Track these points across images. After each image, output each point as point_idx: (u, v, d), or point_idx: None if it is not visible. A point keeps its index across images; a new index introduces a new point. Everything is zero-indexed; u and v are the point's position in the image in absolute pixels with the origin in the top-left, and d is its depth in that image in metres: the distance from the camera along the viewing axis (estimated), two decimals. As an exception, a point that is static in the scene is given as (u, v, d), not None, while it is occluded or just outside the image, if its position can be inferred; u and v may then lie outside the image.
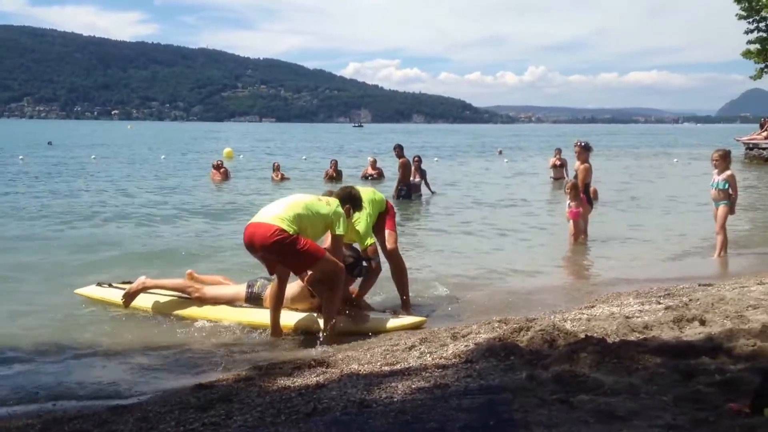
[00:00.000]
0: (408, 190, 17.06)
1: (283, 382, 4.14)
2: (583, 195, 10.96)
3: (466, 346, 4.57)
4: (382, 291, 7.19)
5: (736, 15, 38.66)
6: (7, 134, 76.18)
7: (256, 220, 5.88)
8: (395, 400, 3.49)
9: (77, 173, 25.37)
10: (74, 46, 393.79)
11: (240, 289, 6.64)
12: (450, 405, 3.31)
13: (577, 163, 11.37)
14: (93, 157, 34.58)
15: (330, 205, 6.03)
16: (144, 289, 6.80)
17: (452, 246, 11.04)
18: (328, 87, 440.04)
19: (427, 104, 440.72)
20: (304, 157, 37.74)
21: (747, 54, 39.26)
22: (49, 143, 50.49)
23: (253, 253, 5.97)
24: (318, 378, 4.16)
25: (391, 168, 22.05)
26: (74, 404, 4.38)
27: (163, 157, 36.99)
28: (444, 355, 4.42)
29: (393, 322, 6.12)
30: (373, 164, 22.60)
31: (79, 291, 7.29)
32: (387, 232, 6.87)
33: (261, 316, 6.26)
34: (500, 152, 44.64)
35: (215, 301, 6.60)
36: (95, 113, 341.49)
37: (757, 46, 38.79)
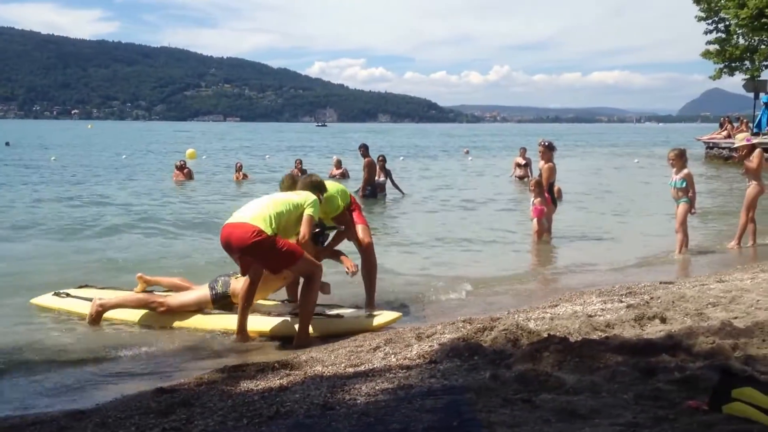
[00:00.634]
0: (373, 190, 17.06)
1: (246, 385, 4.10)
2: (548, 194, 11.05)
3: (430, 346, 4.57)
4: (346, 288, 7.14)
5: (696, 16, 39.29)
6: (-37, 134, 74.53)
7: (233, 221, 5.82)
8: (359, 401, 3.48)
9: (37, 175, 24.88)
10: (33, 44, 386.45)
11: (204, 293, 6.51)
12: (413, 406, 3.30)
13: (541, 162, 11.47)
14: (53, 158, 33.94)
15: (301, 195, 6.07)
16: (103, 311, 6.51)
17: (417, 245, 11.06)
18: (293, 86, 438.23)
19: (392, 103, 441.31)
20: (267, 156, 37.53)
21: (706, 54, 39.92)
22: (7, 144, 49.46)
23: (230, 254, 5.93)
24: (281, 380, 4.12)
25: (356, 168, 22.03)
26: (32, 411, 4.28)
27: (124, 156, 36.49)
28: (408, 355, 4.42)
29: (370, 321, 6.08)
30: (338, 164, 22.58)
31: (35, 301, 7.02)
32: (360, 226, 6.82)
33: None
34: (467, 152, 44.84)
35: (182, 309, 6.43)
36: (54, 113, 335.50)
37: (716, 46, 39.44)
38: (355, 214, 6.87)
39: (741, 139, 10.73)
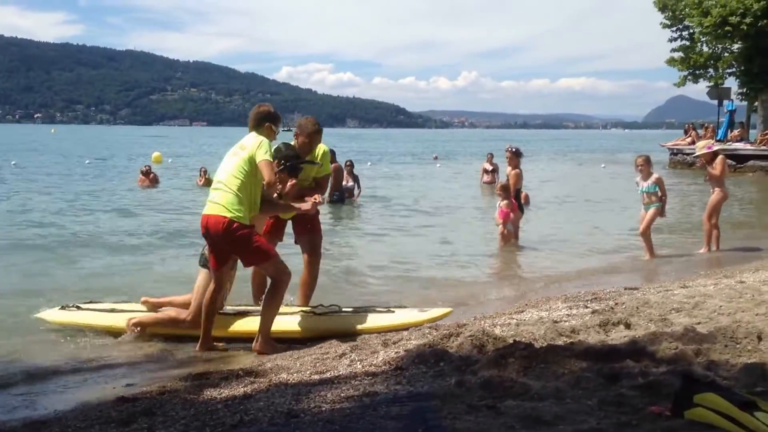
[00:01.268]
0: (341, 195, 17.03)
1: (210, 393, 4.05)
2: (514, 200, 11.12)
3: (396, 353, 4.56)
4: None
5: (661, 24, 39.81)
6: None
7: (206, 212, 5.66)
8: (323, 409, 3.45)
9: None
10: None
11: (203, 277, 6.08)
12: (378, 413, 3.28)
13: (509, 168, 11.55)
14: (13, 163, 33.29)
15: (245, 147, 5.70)
16: (143, 329, 6.12)
17: (384, 251, 11.06)
18: (260, 91, 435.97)
19: (361, 108, 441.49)
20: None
21: (671, 62, 40.44)
22: None
23: (209, 243, 5.77)
24: (246, 388, 4.08)
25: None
26: (-11, 422, 4.18)
27: (87, 161, 35.97)
28: (374, 362, 4.40)
29: (423, 315, 6.05)
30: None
31: (41, 316, 6.55)
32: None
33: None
34: (435, 157, 45.00)
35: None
36: (17, 116, 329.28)
37: (681, 54, 39.99)
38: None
39: (702, 146, 10.88)
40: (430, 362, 4.15)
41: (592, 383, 3.65)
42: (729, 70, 38.26)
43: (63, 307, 6.56)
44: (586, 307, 6.24)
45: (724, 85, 37.84)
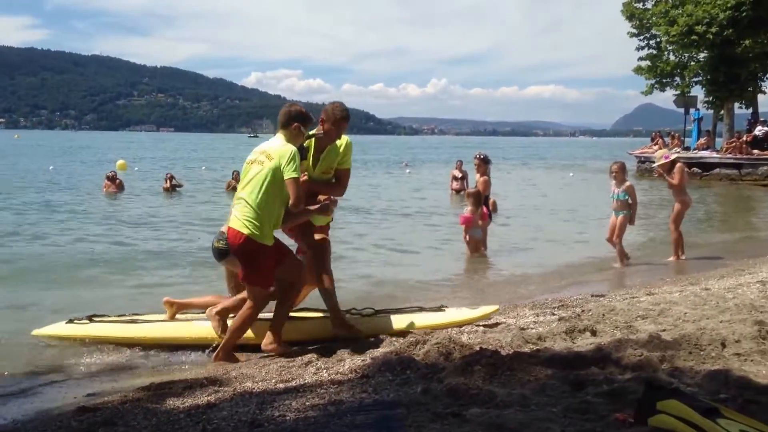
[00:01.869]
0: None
1: (173, 402, 3.97)
2: (484, 207, 11.14)
3: (363, 360, 4.53)
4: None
5: (628, 32, 40.26)
6: None
7: (229, 224, 5.35)
8: (288, 418, 3.41)
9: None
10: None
11: (228, 267, 5.91)
12: (343, 422, 3.25)
13: (477, 175, 11.58)
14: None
15: (270, 156, 5.21)
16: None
17: (351, 259, 11.01)
18: (229, 96, 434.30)
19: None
20: (203, 168, 36.93)
21: (638, 70, 40.89)
22: None
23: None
24: (209, 397, 4.01)
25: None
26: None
27: (51, 167, 35.38)
28: (340, 370, 4.37)
29: (473, 312, 6.03)
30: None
31: (44, 332, 6.14)
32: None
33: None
34: (405, 165, 45.06)
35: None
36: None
37: (648, 62, 40.48)
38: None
39: (660, 156, 10.94)
40: (397, 370, 4.13)
41: (557, 390, 3.66)
42: (695, 79, 38.83)
43: (71, 321, 6.17)
44: (553, 314, 6.27)
45: (691, 94, 38.45)
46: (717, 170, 29.26)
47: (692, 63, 38.41)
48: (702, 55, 36.92)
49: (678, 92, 39.21)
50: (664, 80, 40.21)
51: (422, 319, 5.86)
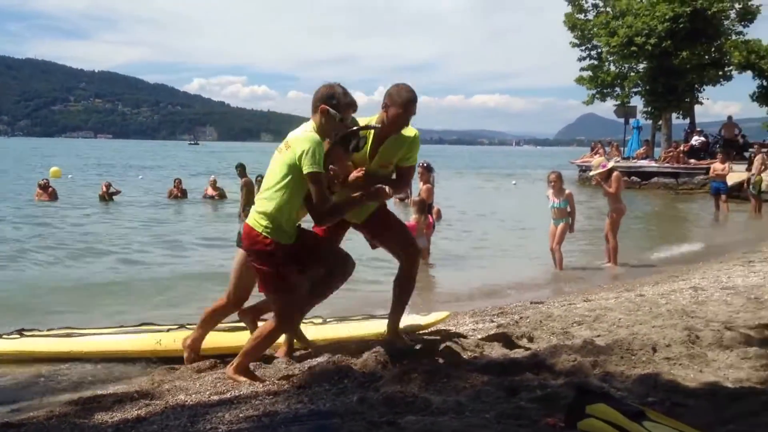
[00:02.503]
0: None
1: (101, 417, 3.86)
2: (428, 215, 11.20)
3: (300, 370, 4.50)
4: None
5: (570, 43, 40.95)
6: None
7: (246, 221, 4.66)
8: (220, 430, 3.35)
9: None
10: None
11: (238, 259, 5.22)
12: (277, 433, 3.21)
13: (420, 183, 11.64)
14: None
15: (290, 144, 4.45)
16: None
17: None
18: (170, 102, 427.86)
19: (276, 123, 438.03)
20: (140, 176, 36.15)
21: (580, 80, 41.52)
22: None
23: None
24: (140, 411, 3.91)
25: (232, 187, 21.63)
26: None
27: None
28: (277, 381, 4.32)
29: (417, 321, 5.73)
30: (213, 184, 22.05)
31: None
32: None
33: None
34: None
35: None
36: None
37: (589, 73, 41.19)
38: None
39: (597, 165, 11.16)
40: (334, 379, 4.11)
41: (492, 396, 3.69)
42: (635, 89, 39.69)
43: (3, 336, 5.80)
44: (492, 321, 6.32)
45: (631, 104, 39.34)
46: (655, 179, 29.92)
47: (632, 74, 39.29)
48: (641, 66, 37.79)
49: (618, 102, 40.08)
50: (605, 90, 40.98)
51: (371, 327, 5.71)
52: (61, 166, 35.84)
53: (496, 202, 24.72)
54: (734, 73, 37.11)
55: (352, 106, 4.61)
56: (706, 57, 35.84)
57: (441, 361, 4.49)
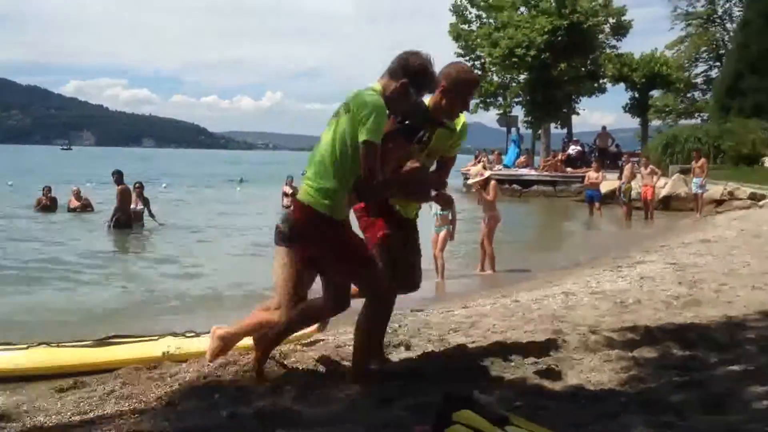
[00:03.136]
0: (127, 219, 16.17)
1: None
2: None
3: (170, 387, 4.34)
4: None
5: (455, 53, 41.93)
6: None
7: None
8: (79, 454, 3.20)
9: None
10: None
11: (279, 258, 4.35)
12: (140, 454, 3.10)
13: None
14: None
15: (349, 108, 3.81)
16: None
17: (174, 277, 10.65)
18: (44, 105, 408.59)
19: (158, 127, 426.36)
20: (10, 183, 34.17)
21: (465, 89, 42.62)
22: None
23: None
24: (-8, 436, 3.69)
25: (107, 196, 20.59)
26: None
27: None
28: (145, 399, 4.15)
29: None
30: (77, 194, 20.78)
31: None
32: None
33: None
34: (241, 180, 44.33)
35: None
36: None
37: (474, 82, 42.31)
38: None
39: (475, 173, 11.43)
40: (204, 395, 4.00)
41: (365, 406, 3.70)
42: (516, 100, 41.09)
43: None
44: (372, 330, 6.32)
45: (512, 114, 40.67)
46: (535, 187, 30.88)
47: (513, 84, 40.70)
48: (522, 77, 39.16)
49: (501, 112, 41.42)
50: (488, 100, 42.29)
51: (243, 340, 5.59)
52: None
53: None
54: (608, 85, 39.17)
55: (433, 91, 4.15)
56: (583, 69, 37.58)
57: (317, 371, 4.46)
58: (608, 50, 39.26)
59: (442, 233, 10.46)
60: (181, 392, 4.10)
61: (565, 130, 39.14)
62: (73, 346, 5.24)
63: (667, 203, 22.19)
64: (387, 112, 3.80)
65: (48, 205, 20.28)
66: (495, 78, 41.57)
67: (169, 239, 15.32)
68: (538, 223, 21.92)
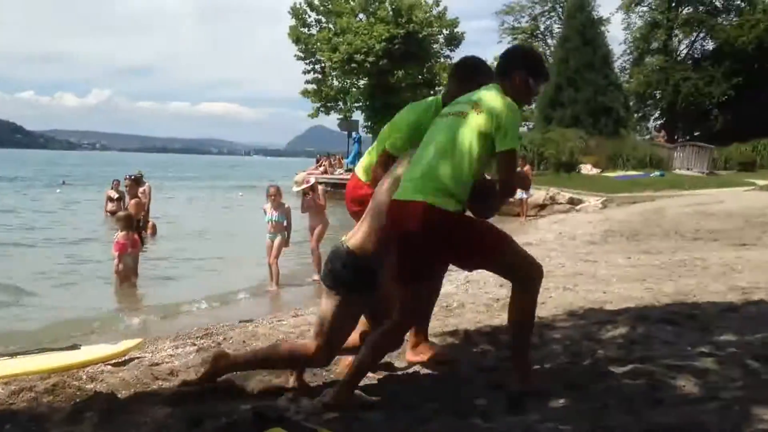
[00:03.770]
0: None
1: None
2: (136, 232, 10.65)
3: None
4: None
5: (295, 56, 41.84)
6: None
7: (400, 196, 3.57)
8: None
9: None
10: None
11: (328, 302, 4.11)
12: None
13: (128, 197, 11.10)
14: None
15: (479, 106, 3.53)
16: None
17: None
18: None
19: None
20: None
21: (305, 93, 42.59)
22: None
23: (399, 245, 3.66)
24: None
25: None
26: None
27: None
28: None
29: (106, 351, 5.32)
30: None
31: None
32: None
33: None
34: (63, 182, 41.79)
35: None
36: None
37: (314, 86, 42.38)
38: None
39: (301, 181, 11.32)
40: (-8, 426, 3.66)
41: (174, 429, 3.52)
42: (356, 104, 41.64)
43: None
44: (194, 345, 6.04)
45: (353, 118, 41.14)
46: (364, 190, 31.41)
47: (353, 89, 41.22)
48: (362, 83, 39.76)
49: (341, 116, 41.79)
50: (329, 104, 42.61)
51: (50, 361, 5.19)
52: None
53: (217, 216, 24.35)
54: (443, 93, 40.57)
55: (548, 79, 4.01)
56: (419, 77, 38.76)
57: (123, 394, 4.20)
58: (443, 60, 40.64)
59: (277, 240, 10.36)
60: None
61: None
62: None
63: (495, 208, 23.18)
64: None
65: None
66: (335, 82, 41.91)
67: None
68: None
